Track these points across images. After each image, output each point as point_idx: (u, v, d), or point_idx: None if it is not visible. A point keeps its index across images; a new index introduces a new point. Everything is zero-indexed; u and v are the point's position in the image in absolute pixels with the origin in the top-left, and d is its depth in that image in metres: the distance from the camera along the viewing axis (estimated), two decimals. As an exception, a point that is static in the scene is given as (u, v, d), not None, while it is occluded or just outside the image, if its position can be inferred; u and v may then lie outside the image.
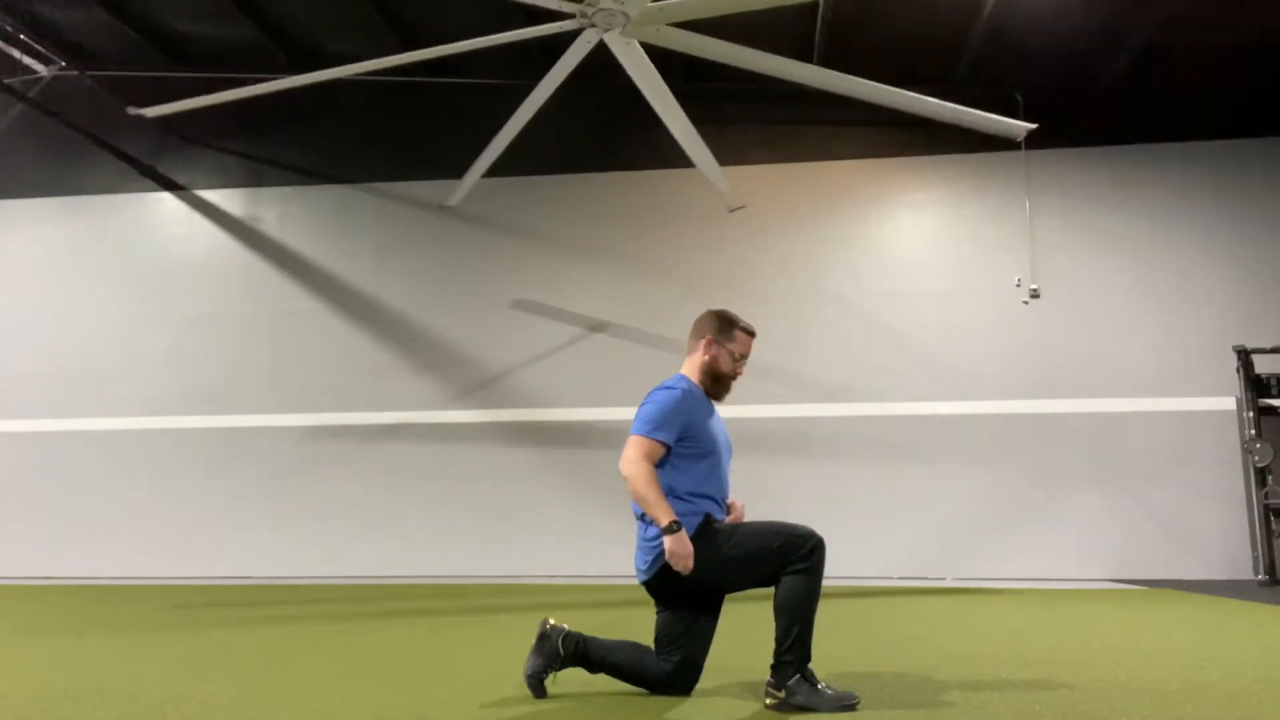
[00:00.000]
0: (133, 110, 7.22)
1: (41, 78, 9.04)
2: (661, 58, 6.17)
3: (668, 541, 2.84)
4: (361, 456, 8.62)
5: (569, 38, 5.83)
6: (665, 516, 2.85)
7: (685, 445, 3.00)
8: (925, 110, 6.37)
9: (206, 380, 8.88)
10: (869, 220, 8.62)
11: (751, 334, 3.21)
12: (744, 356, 3.18)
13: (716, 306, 3.30)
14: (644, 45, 5.84)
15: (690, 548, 2.85)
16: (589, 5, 5.44)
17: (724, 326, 3.17)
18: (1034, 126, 6.32)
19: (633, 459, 2.93)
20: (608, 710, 2.78)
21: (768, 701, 2.80)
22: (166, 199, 9.28)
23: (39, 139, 9.25)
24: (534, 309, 8.74)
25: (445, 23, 7.91)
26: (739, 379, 3.21)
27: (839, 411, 8.28)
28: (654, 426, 2.97)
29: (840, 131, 8.72)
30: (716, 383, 3.16)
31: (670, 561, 2.85)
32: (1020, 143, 8.29)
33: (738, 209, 7.98)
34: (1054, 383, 8.12)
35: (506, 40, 6.02)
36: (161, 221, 9.27)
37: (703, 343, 3.17)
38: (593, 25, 5.60)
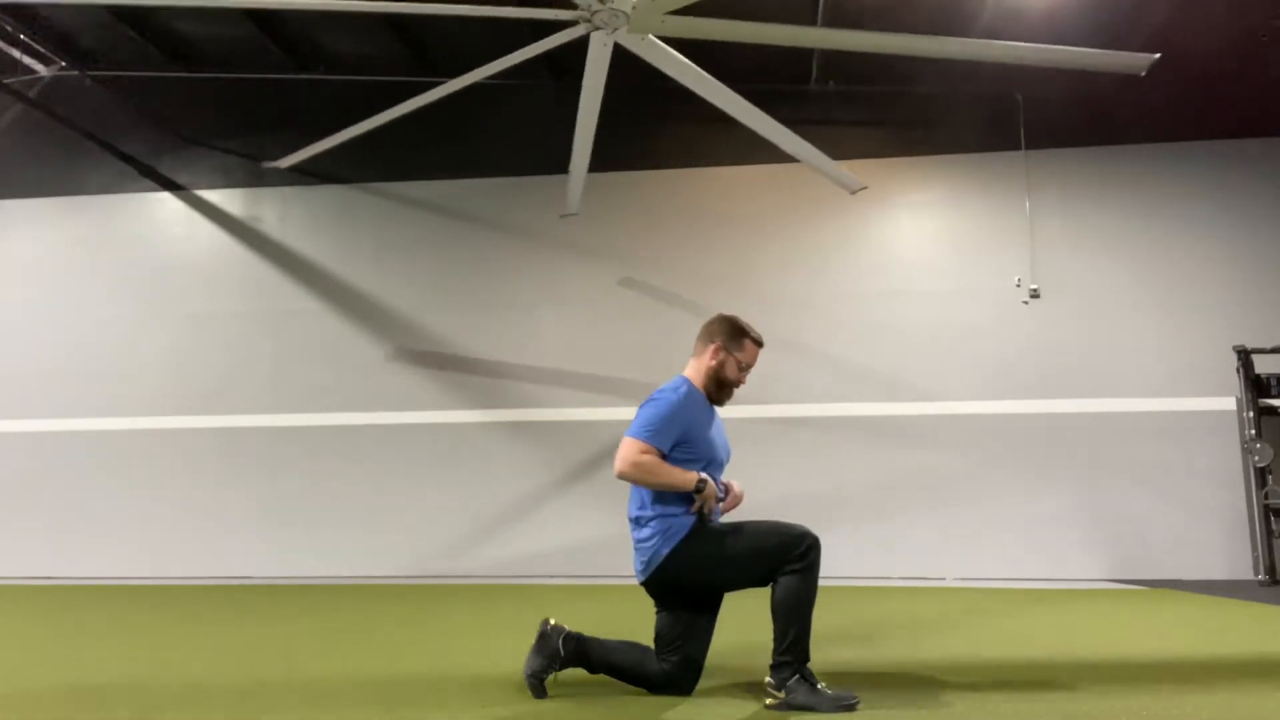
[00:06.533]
0: (267, 164, 7.74)
1: (41, 78, 9.04)
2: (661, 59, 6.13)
3: (700, 500, 2.96)
4: (361, 456, 8.61)
5: (564, 38, 5.80)
6: (688, 481, 2.94)
7: (682, 450, 3.01)
8: (1031, 58, 5.84)
9: (206, 380, 8.87)
10: (869, 220, 8.61)
11: (760, 344, 3.26)
12: (750, 366, 3.22)
13: (718, 308, 3.32)
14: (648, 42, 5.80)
15: (716, 488, 3.01)
16: (585, 9, 5.43)
17: (735, 334, 3.19)
18: (1157, 56, 5.55)
19: (628, 459, 2.94)
20: (608, 710, 2.78)
21: (767, 702, 2.80)
22: (166, 199, 9.27)
23: (39, 139, 9.25)
24: (534, 309, 8.74)
25: (445, 23, 7.90)
26: (741, 387, 3.26)
27: (837, 411, 8.28)
28: (650, 431, 2.98)
29: (840, 131, 8.71)
30: (720, 389, 3.19)
31: (714, 511, 3.02)
32: (1020, 143, 8.34)
33: (860, 190, 7.49)
34: (1054, 383, 8.12)
35: (523, 57, 5.99)
36: (161, 221, 9.26)
37: (711, 348, 3.18)
38: (597, 28, 5.58)
